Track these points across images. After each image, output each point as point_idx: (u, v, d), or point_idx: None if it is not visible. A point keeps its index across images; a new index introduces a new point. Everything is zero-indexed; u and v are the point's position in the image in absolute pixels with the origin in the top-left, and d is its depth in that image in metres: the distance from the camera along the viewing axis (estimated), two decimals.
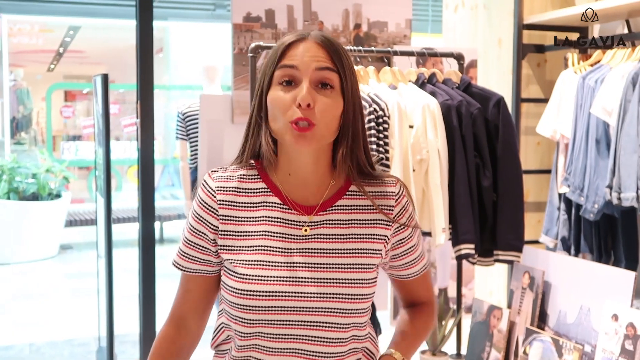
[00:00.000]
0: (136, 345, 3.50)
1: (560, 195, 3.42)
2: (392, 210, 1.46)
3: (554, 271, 2.75)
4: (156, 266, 3.21)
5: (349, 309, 1.38)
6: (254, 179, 1.45)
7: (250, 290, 1.37)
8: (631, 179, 2.87)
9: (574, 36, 3.69)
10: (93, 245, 4.23)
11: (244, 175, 1.46)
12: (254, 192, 1.44)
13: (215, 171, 1.47)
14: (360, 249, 1.43)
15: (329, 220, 1.43)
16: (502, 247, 2.73)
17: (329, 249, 1.41)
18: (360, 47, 2.82)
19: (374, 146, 2.47)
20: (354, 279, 1.40)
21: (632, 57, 3.11)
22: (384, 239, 1.45)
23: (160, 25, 12.43)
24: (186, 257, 1.48)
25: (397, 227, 1.47)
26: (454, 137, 2.62)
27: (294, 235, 1.41)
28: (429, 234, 2.65)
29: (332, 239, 1.42)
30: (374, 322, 2.74)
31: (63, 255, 8.49)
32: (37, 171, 8.19)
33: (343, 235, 1.42)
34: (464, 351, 3.05)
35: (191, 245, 1.47)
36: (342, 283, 1.39)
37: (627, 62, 3.10)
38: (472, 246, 2.63)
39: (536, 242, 3.58)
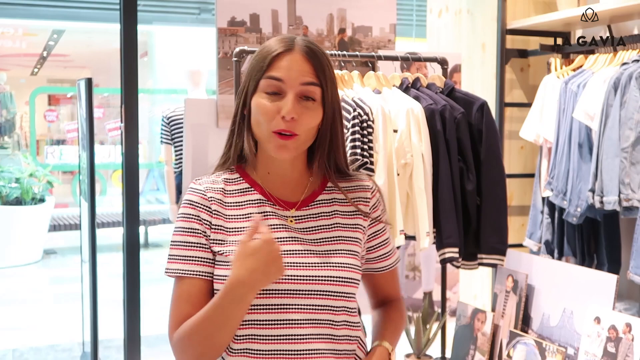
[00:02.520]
0: (120, 350, 3.48)
1: (543, 199, 3.44)
2: (369, 202, 1.57)
3: (537, 274, 2.77)
4: (141, 271, 3.20)
5: (337, 292, 1.45)
6: (237, 181, 1.52)
7: None
8: (613, 182, 2.89)
9: (557, 41, 3.72)
10: (77, 250, 4.21)
11: (227, 179, 1.53)
12: (238, 192, 1.51)
13: (199, 179, 1.53)
14: (346, 237, 1.51)
15: (313, 214, 1.51)
16: (486, 250, 2.74)
17: (316, 239, 1.49)
18: (345, 52, 2.83)
19: (359, 150, 2.48)
20: (341, 264, 1.47)
21: (614, 62, 3.14)
22: (362, 229, 1.55)
23: (144, 29, 12.40)
24: (185, 259, 1.46)
25: (372, 220, 1.56)
26: (438, 142, 2.63)
27: (281, 225, 1.48)
28: (413, 237, 2.66)
29: (318, 230, 1.50)
30: None
31: (47, 260, 8.44)
32: (21, 175, 8.14)
33: (328, 225, 1.51)
34: (448, 354, 3.06)
35: (189, 246, 1.47)
36: (331, 266, 1.46)
37: (609, 67, 3.13)
38: (456, 250, 2.64)
39: (520, 245, 3.60)
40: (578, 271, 2.65)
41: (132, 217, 3.15)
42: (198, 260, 1.46)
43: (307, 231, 1.49)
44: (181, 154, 4.28)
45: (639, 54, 3.00)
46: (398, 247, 2.68)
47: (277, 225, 1.47)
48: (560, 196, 3.22)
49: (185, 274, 1.46)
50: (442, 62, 3.01)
